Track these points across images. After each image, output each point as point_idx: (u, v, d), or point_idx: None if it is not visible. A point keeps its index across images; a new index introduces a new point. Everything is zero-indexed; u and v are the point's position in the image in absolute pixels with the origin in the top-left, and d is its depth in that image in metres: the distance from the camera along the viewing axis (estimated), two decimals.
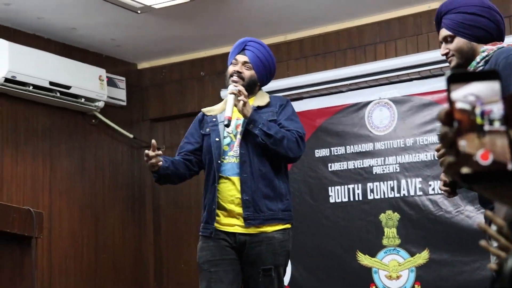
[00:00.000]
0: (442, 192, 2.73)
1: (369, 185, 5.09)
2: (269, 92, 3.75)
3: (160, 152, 3.34)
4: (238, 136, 3.43)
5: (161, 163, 3.35)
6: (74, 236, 5.59)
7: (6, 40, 5.05)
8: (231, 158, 3.42)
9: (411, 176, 4.94)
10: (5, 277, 3.59)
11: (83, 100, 5.56)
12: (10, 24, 5.26)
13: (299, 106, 5.15)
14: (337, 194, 5.23)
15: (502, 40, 2.78)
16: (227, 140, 3.47)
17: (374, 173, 5.08)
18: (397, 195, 4.97)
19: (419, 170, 4.92)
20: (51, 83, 5.28)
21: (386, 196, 5.01)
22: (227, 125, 3.31)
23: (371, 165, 5.10)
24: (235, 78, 3.46)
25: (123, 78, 6.07)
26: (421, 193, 4.90)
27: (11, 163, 5.20)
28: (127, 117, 6.19)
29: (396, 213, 4.97)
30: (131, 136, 6.14)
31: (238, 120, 3.45)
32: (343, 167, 5.24)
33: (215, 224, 3.38)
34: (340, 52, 5.52)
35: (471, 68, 2.72)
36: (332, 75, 5.34)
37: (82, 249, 5.64)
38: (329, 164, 5.29)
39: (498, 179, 0.78)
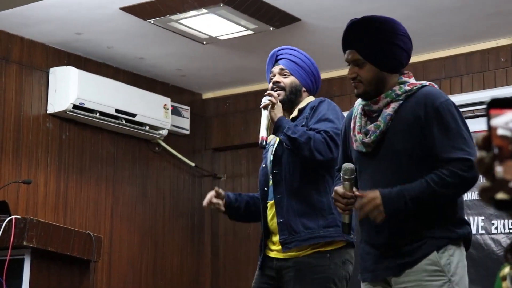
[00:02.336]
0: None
1: None
2: None
3: (218, 202, 3.25)
4: (270, 157, 3.22)
5: (222, 208, 3.27)
6: (133, 261, 5.66)
7: (76, 68, 5.21)
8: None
9: (473, 214, 4.83)
10: None
11: (147, 128, 5.66)
12: (81, 53, 5.43)
13: None
14: None
15: (404, 66, 2.60)
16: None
17: None
18: None
19: (482, 208, 4.81)
20: (117, 111, 5.40)
21: None
22: (263, 147, 3.10)
23: None
24: (275, 89, 3.18)
25: (188, 107, 6.16)
26: (483, 231, 4.79)
27: (76, 187, 5.32)
28: (189, 145, 6.27)
29: None
30: (193, 164, 6.21)
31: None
32: None
33: (266, 250, 3.19)
34: None
35: (388, 98, 2.53)
36: None
37: (140, 274, 5.70)
38: None
39: None
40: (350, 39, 2.60)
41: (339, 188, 2.55)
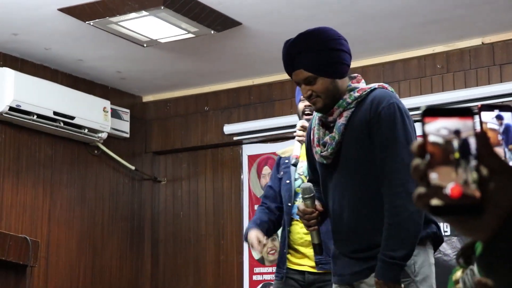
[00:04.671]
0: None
1: None
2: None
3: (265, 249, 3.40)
4: (294, 174, 3.41)
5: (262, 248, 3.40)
6: (71, 266, 5.57)
7: (12, 70, 5.11)
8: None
9: None
10: None
11: (86, 130, 5.59)
12: (18, 54, 5.32)
13: None
14: None
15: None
16: (298, 182, 3.41)
17: None
18: None
19: None
20: (55, 113, 5.32)
21: None
22: (295, 164, 3.27)
23: None
24: (308, 110, 3.29)
25: (128, 110, 6.11)
26: None
27: (12, 191, 5.21)
28: (129, 149, 6.21)
29: None
30: (133, 168, 6.15)
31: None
32: None
33: (287, 263, 3.38)
34: None
35: (341, 108, 2.55)
36: None
37: (78, 280, 5.62)
38: None
39: (466, 212, 0.80)
40: (294, 60, 2.58)
41: (300, 205, 2.60)
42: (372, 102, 2.52)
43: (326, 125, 2.63)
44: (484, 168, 0.81)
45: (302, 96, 3.27)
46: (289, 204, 3.39)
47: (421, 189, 0.81)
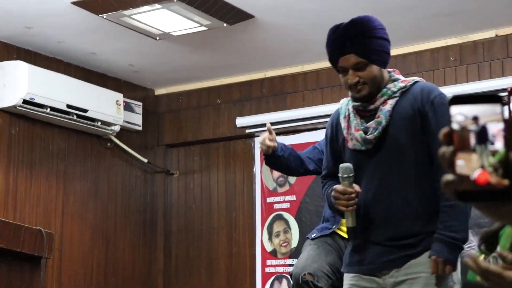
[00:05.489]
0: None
1: None
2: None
3: (274, 144, 3.37)
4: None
5: (275, 145, 3.37)
6: (84, 258, 5.60)
7: (26, 63, 5.13)
8: None
9: None
10: None
11: (99, 123, 5.61)
12: (31, 48, 5.34)
13: (315, 136, 5.17)
14: None
15: None
16: None
17: None
18: None
19: None
20: (68, 106, 5.34)
21: None
22: None
23: None
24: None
25: (140, 103, 6.13)
26: None
27: (25, 183, 5.25)
28: (142, 142, 6.23)
29: None
30: (145, 160, 6.17)
31: None
32: None
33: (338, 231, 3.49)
34: None
35: (385, 96, 2.61)
36: None
37: (91, 271, 5.65)
38: None
39: (494, 198, 0.80)
40: (345, 45, 2.59)
41: (339, 186, 2.57)
42: (422, 92, 2.58)
43: (361, 115, 2.65)
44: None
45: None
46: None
47: (448, 176, 0.81)
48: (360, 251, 2.64)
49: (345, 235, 3.36)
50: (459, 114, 0.81)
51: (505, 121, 0.81)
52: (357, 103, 2.65)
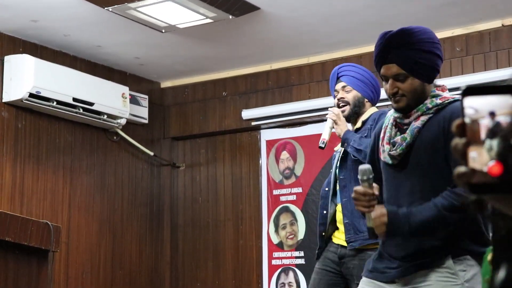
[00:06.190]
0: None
1: None
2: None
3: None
4: (336, 163, 3.61)
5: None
6: (92, 251, 5.62)
7: (32, 56, 5.14)
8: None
9: None
10: None
11: (105, 116, 5.61)
12: (37, 41, 5.35)
13: (321, 128, 5.15)
14: None
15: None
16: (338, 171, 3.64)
17: None
18: None
19: None
20: (74, 99, 5.34)
21: None
22: (322, 148, 3.53)
23: None
24: (340, 105, 3.58)
25: (146, 96, 6.13)
26: None
27: (32, 177, 5.26)
28: (148, 135, 6.24)
29: None
30: (152, 153, 6.18)
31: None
32: None
33: (332, 237, 3.62)
34: None
35: (419, 112, 2.54)
36: None
37: (99, 264, 5.67)
38: None
39: (507, 190, 0.79)
40: (389, 53, 2.55)
41: (359, 187, 2.54)
42: (452, 112, 2.48)
43: (399, 127, 2.61)
44: None
45: (335, 93, 3.60)
46: (326, 189, 3.63)
47: (461, 168, 0.80)
48: (378, 260, 2.64)
49: (341, 243, 3.56)
50: (471, 107, 0.80)
51: None
52: (396, 114, 2.61)
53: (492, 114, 0.80)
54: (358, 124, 3.57)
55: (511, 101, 0.80)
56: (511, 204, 0.82)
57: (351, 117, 3.58)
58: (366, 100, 3.59)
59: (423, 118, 2.54)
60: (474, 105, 0.81)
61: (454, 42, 5.19)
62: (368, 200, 2.53)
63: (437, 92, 2.56)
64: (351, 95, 3.57)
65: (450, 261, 2.49)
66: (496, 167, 0.79)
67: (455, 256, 2.49)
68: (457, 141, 0.81)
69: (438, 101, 2.54)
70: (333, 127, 3.54)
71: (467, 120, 0.80)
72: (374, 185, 2.55)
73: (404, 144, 2.53)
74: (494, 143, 0.80)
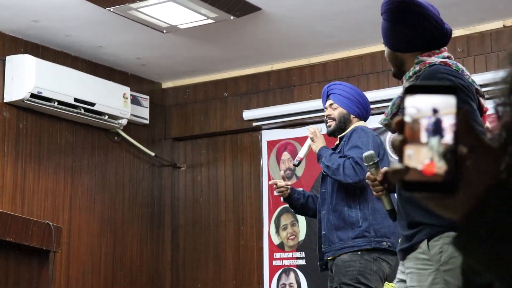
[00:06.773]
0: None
1: None
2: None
3: (287, 183, 3.90)
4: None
5: (287, 192, 3.86)
6: (92, 251, 5.62)
7: (34, 57, 5.14)
8: None
9: None
10: None
11: (106, 117, 5.61)
12: (38, 41, 5.35)
13: (322, 128, 5.15)
14: None
15: (443, 43, 2.58)
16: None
17: None
18: None
19: None
20: (75, 100, 5.35)
21: None
22: (296, 165, 3.91)
23: None
24: (328, 121, 3.83)
25: (147, 97, 6.13)
26: None
27: (33, 177, 5.26)
28: (149, 135, 6.24)
29: None
30: (153, 154, 6.18)
31: None
32: None
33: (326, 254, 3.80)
34: (363, 77, 5.53)
35: (405, 80, 2.56)
36: None
37: (99, 265, 5.67)
38: None
39: (438, 190, 0.79)
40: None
41: (368, 174, 2.63)
42: (423, 78, 2.46)
43: None
44: (461, 146, 0.80)
45: (325, 106, 3.87)
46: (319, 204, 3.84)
47: (396, 165, 0.81)
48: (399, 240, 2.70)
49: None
50: (412, 106, 0.81)
51: (457, 112, 0.80)
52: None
53: (434, 113, 0.80)
54: (338, 141, 3.80)
55: (453, 101, 0.80)
56: (440, 203, 0.81)
57: (337, 132, 3.80)
58: (352, 116, 3.80)
59: (405, 85, 2.54)
60: (416, 104, 0.81)
61: (455, 43, 5.18)
62: (374, 185, 2.57)
63: (421, 58, 2.54)
64: (337, 112, 3.80)
65: (425, 243, 2.41)
66: (430, 167, 0.79)
67: (433, 235, 2.40)
68: (395, 138, 0.81)
69: (417, 68, 2.52)
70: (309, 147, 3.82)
71: (407, 118, 0.80)
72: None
73: (388, 114, 2.58)
74: (433, 142, 0.80)
